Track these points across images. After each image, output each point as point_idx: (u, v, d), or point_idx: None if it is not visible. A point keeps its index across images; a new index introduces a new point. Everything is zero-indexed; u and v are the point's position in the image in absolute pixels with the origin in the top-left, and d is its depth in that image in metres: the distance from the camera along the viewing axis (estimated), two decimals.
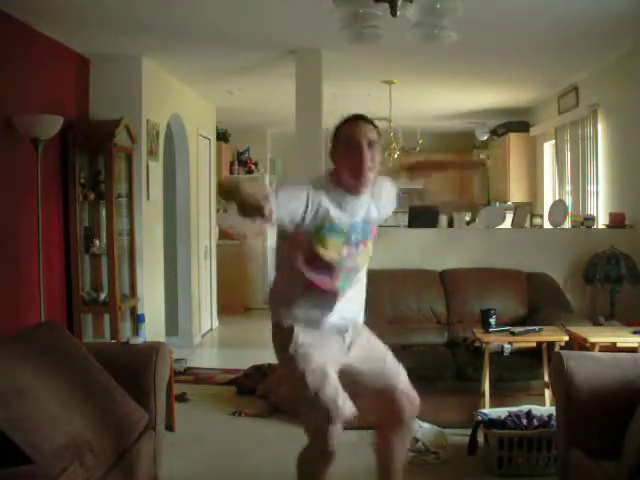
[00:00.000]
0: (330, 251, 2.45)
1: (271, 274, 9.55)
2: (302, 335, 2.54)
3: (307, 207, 2.34)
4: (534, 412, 3.53)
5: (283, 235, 2.51)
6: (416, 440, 3.70)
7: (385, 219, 2.76)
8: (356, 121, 2.46)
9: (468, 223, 7.04)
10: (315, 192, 2.38)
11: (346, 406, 2.48)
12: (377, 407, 2.71)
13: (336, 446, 2.48)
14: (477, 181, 10.04)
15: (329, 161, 2.57)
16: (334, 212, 2.42)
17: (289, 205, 2.28)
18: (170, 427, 3.86)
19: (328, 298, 2.53)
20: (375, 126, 2.47)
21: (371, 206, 2.55)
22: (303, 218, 2.34)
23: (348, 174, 2.43)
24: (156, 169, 5.79)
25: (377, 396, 2.68)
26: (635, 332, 3.77)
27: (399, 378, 2.65)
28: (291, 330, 2.54)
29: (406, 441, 2.77)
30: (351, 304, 2.62)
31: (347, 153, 2.42)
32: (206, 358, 6.48)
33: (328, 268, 2.48)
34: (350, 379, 2.64)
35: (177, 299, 6.74)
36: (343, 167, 2.44)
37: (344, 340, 2.63)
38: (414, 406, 2.65)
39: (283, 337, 2.57)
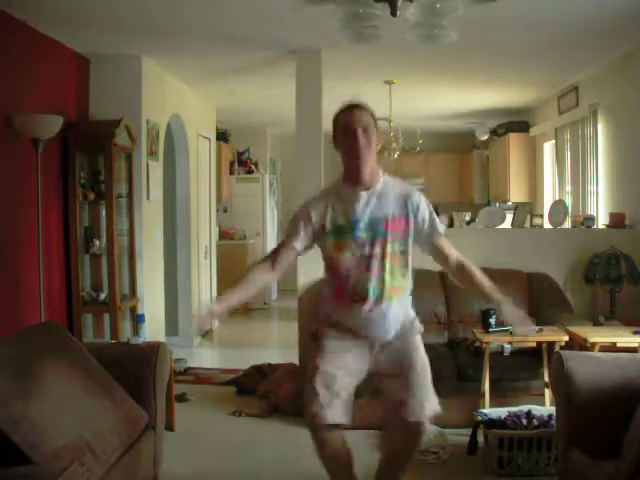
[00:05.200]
0: (339, 253, 2.57)
1: None
2: (326, 339, 2.65)
3: (312, 222, 2.60)
4: (534, 412, 3.53)
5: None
6: None
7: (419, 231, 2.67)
8: (350, 109, 2.61)
9: (468, 223, 7.04)
10: (316, 205, 2.64)
11: (334, 414, 2.54)
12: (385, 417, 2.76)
13: (326, 436, 2.60)
14: (477, 180, 10.04)
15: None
16: (335, 212, 2.58)
17: (303, 234, 2.60)
18: (170, 427, 3.86)
19: (348, 306, 2.61)
20: (369, 111, 2.61)
21: (385, 202, 2.60)
22: (316, 232, 2.60)
23: (349, 162, 2.61)
24: (156, 169, 5.79)
25: (386, 411, 2.73)
26: (635, 332, 3.78)
27: (410, 411, 2.61)
28: (317, 333, 2.69)
29: (408, 454, 2.80)
30: (377, 320, 2.61)
31: (344, 141, 2.59)
32: (206, 358, 6.48)
33: (344, 273, 2.58)
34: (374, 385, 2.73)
35: (177, 299, 6.74)
36: (343, 154, 2.62)
37: (372, 348, 2.66)
38: (412, 442, 2.70)
39: (311, 339, 2.74)
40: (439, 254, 2.71)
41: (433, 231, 2.67)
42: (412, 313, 2.77)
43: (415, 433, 2.66)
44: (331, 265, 2.65)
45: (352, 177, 2.61)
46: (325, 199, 2.65)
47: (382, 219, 2.57)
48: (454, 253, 2.71)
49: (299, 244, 2.63)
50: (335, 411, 2.55)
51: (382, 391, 2.73)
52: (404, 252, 2.62)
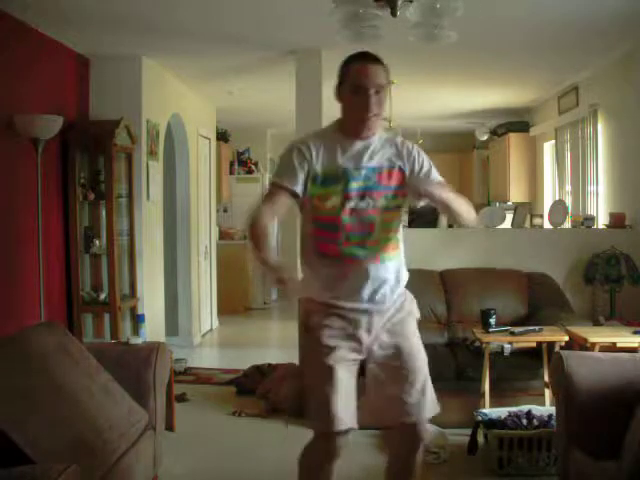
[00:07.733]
0: (328, 202, 2.30)
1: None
2: (318, 319, 2.37)
3: (307, 161, 2.31)
4: (534, 412, 3.53)
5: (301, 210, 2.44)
6: None
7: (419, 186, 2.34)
8: (364, 63, 2.30)
9: None
10: (307, 144, 2.35)
11: (346, 417, 2.30)
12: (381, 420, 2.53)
13: (337, 446, 2.35)
14: (477, 180, 10.05)
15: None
16: (326, 157, 2.33)
17: (300, 175, 2.31)
18: (170, 427, 3.86)
19: (335, 265, 2.33)
20: (383, 65, 2.31)
21: (381, 155, 2.36)
22: (309, 171, 2.32)
23: (352, 119, 2.34)
24: (156, 169, 5.79)
25: (376, 411, 2.46)
26: (635, 332, 3.77)
27: (410, 412, 2.38)
28: (307, 311, 2.42)
29: (415, 456, 2.50)
30: (370, 280, 2.33)
31: (353, 98, 2.30)
32: (206, 358, 6.48)
33: (332, 228, 2.32)
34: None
35: (177, 299, 6.74)
36: (348, 111, 2.35)
37: (368, 330, 2.37)
38: (416, 443, 2.44)
39: (301, 317, 2.48)
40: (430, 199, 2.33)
41: (427, 178, 2.39)
42: (405, 273, 2.47)
43: (415, 437, 2.43)
44: (315, 218, 2.36)
45: (351, 131, 2.35)
46: (315, 140, 2.36)
47: (376, 171, 2.33)
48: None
49: (299, 187, 2.31)
50: (347, 415, 2.31)
51: (370, 386, 2.43)
52: (397, 207, 2.40)
